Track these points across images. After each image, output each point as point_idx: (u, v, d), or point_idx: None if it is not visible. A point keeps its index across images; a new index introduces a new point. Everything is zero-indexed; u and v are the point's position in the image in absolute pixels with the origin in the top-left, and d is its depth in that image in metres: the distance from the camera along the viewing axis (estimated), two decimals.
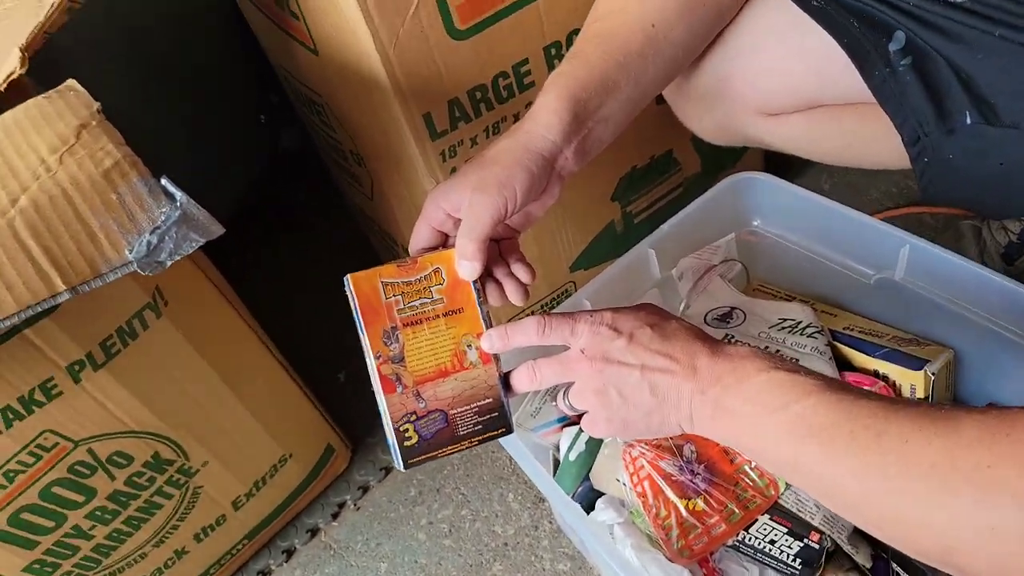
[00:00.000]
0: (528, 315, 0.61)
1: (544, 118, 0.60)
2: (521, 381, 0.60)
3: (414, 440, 0.59)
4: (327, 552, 0.97)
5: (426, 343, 0.59)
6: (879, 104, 0.68)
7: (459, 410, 0.60)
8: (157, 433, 0.76)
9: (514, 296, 0.63)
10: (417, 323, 0.59)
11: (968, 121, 0.65)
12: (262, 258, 1.36)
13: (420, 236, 0.62)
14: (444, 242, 0.63)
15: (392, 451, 0.59)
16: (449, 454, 0.60)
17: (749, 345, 0.52)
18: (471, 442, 0.61)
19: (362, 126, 0.83)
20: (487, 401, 0.60)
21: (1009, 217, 0.95)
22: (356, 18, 0.68)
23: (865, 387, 0.78)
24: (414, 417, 0.59)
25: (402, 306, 0.60)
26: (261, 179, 1.25)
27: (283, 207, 1.38)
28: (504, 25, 0.75)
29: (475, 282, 0.60)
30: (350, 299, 0.60)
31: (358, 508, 1.01)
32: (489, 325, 0.60)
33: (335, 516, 1.00)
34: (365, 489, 1.02)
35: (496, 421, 0.61)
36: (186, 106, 1.00)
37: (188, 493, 0.83)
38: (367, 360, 0.59)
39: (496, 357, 0.61)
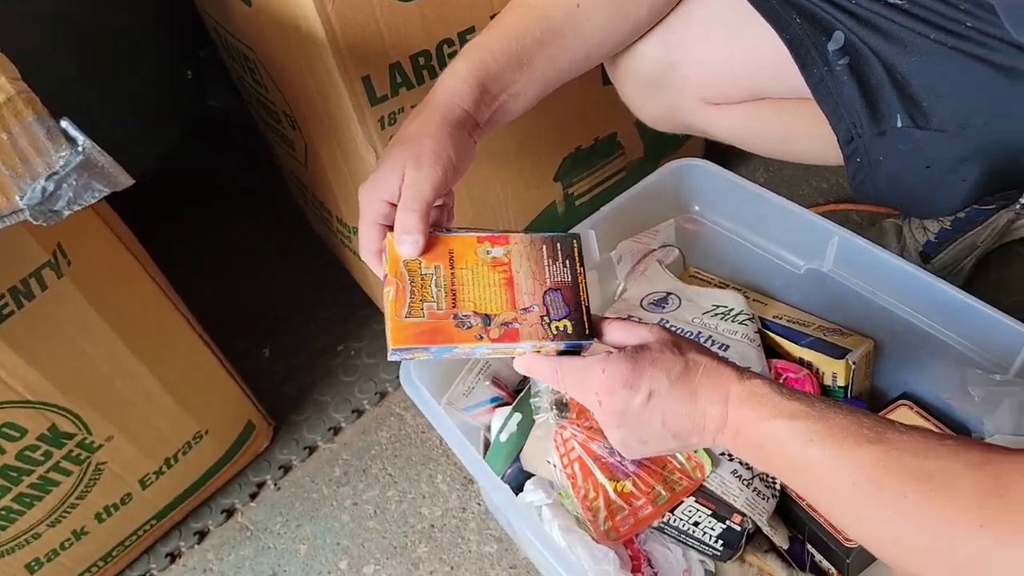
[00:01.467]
0: None
1: (455, 86, 0.59)
2: (536, 370, 0.57)
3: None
4: (243, 534, 0.93)
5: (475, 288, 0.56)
6: (816, 102, 0.69)
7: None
8: (54, 404, 0.70)
9: (405, 247, 0.58)
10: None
11: (899, 124, 0.66)
12: (187, 223, 1.29)
13: (369, 238, 0.58)
14: None
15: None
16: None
17: (761, 378, 0.52)
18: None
19: (297, 86, 0.79)
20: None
21: (931, 217, 0.99)
22: None
23: (790, 374, 0.80)
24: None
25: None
26: (186, 139, 1.18)
27: (210, 169, 1.31)
28: None
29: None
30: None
31: (278, 488, 0.97)
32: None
33: (253, 496, 0.96)
34: (287, 469, 0.98)
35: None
36: (100, 58, 0.93)
37: (89, 469, 0.78)
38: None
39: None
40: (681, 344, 0.54)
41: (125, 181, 0.49)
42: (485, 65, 0.61)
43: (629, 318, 0.85)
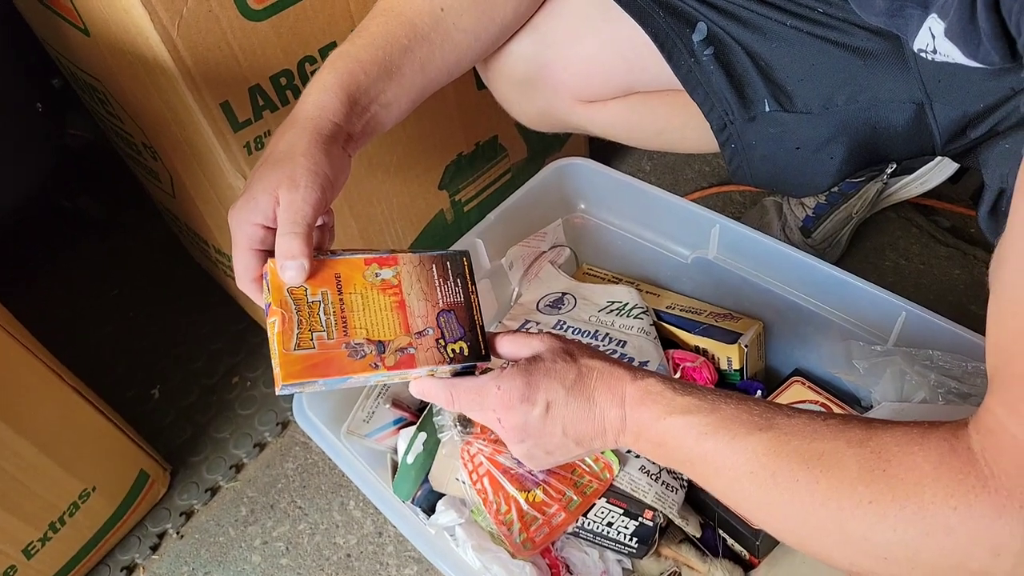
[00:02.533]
0: None
1: (324, 100, 0.57)
2: (431, 394, 0.55)
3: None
4: None
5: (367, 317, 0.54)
6: (687, 92, 0.70)
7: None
8: None
9: (290, 275, 0.55)
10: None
11: (767, 109, 0.68)
12: (55, 266, 1.20)
13: (245, 266, 0.54)
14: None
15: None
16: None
17: (655, 375, 0.52)
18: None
19: (152, 116, 0.74)
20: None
21: (805, 195, 1.03)
22: None
23: (687, 363, 0.81)
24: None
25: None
26: (49, 176, 1.09)
27: (76, 207, 1.22)
28: (307, 6, 0.69)
29: None
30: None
31: (181, 536, 0.92)
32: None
33: (155, 548, 0.91)
34: (189, 515, 0.93)
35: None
36: None
37: None
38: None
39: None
40: (573, 351, 0.54)
41: None
42: (353, 76, 0.58)
43: (526, 323, 0.86)
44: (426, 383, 0.55)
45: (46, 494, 0.78)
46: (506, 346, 0.56)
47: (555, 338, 0.55)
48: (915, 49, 0.51)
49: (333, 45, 0.73)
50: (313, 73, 0.73)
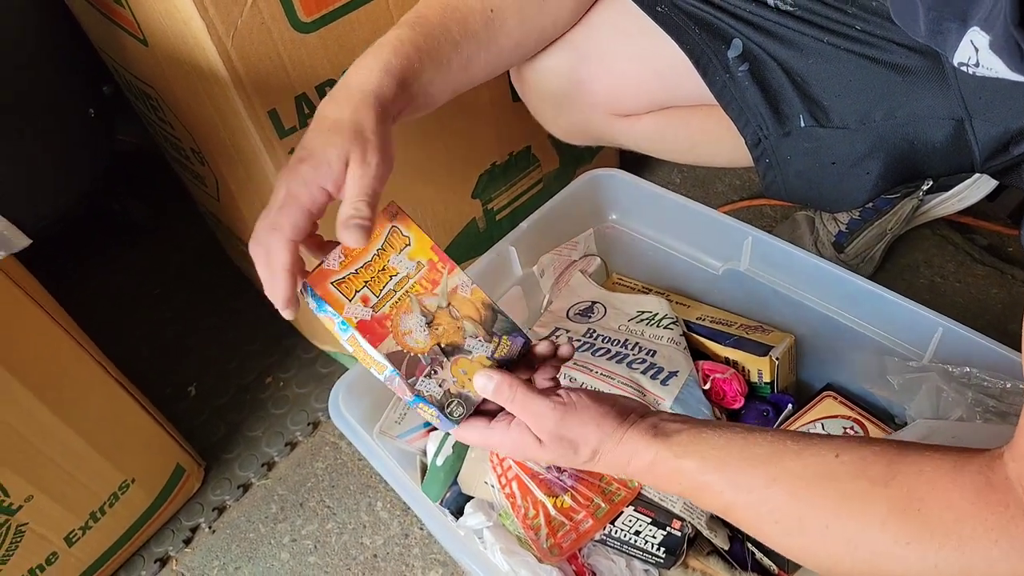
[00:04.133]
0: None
1: (385, 81, 0.56)
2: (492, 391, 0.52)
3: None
4: None
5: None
6: (722, 108, 0.71)
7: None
8: None
9: (352, 236, 0.53)
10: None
11: (802, 124, 0.69)
12: (101, 266, 1.24)
13: (294, 223, 0.50)
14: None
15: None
16: None
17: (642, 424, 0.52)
18: None
19: (202, 123, 0.77)
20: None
21: (840, 210, 1.03)
22: (189, 8, 0.62)
23: (717, 375, 0.81)
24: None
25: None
26: (99, 180, 1.13)
27: (123, 208, 1.26)
28: (352, 18, 0.72)
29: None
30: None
31: (213, 531, 0.94)
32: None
33: (188, 542, 0.93)
34: (221, 510, 0.95)
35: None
36: None
37: (10, 533, 0.74)
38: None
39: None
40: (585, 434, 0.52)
41: (20, 243, 0.48)
42: (410, 61, 0.58)
43: (556, 330, 0.87)
44: (472, 430, 0.54)
45: (89, 483, 0.80)
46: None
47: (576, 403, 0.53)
48: (955, 63, 0.51)
49: None
50: None
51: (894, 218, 1.05)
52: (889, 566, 0.41)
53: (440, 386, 0.52)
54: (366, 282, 0.52)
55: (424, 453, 0.81)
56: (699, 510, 0.71)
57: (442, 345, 0.53)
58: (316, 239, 0.54)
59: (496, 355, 0.54)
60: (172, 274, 1.23)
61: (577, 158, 1.10)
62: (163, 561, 0.92)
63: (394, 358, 0.51)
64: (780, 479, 0.45)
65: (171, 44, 0.68)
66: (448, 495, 0.78)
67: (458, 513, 0.76)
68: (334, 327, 0.53)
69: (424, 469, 0.81)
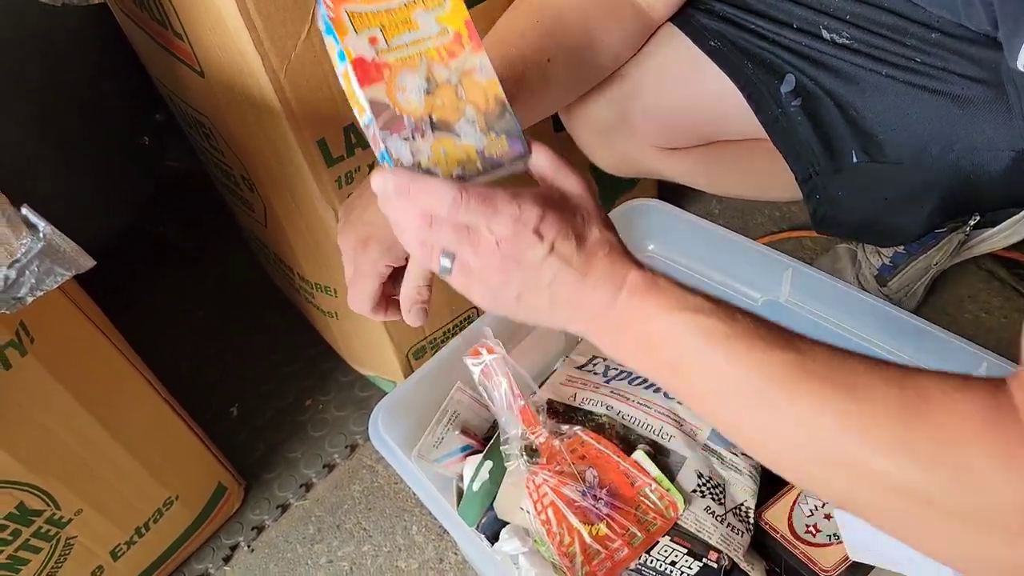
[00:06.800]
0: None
1: None
2: (434, 190, 0.46)
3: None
4: None
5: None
6: (773, 142, 0.71)
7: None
8: (22, 482, 0.69)
9: (416, 318, 0.59)
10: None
11: (855, 160, 0.68)
12: (149, 287, 1.28)
13: (368, 293, 0.60)
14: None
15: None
16: None
17: (666, 275, 0.47)
18: None
19: (253, 151, 0.80)
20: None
21: (892, 245, 1.02)
22: (244, 41, 0.65)
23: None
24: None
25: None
26: (147, 204, 1.18)
27: (172, 233, 1.31)
28: None
29: None
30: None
31: (252, 550, 0.95)
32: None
33: (227, 560, 0.95)
34: (260, 529, 0.97)
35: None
36: (54, 129, 0.93)
37: (59, 545, 0.76)
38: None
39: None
40: (603, 216, 0.49)
41: (86, 263, 0.50)
42: None
43: (593, 359, 0.87)
44: (432, 181, 0.46)
45: (135, 499, 0.82)
46: (542, 159, 0.49)
47: (591, 194, 0.50)
48: (1019, 67, 0.48)
49: None
50: None
51: (939, 252, 1.03)
52: (877, 460, 0.39)
53: (412, 155, 0.47)
54: (382, 25, 0.49)
55: (460, 478, 0.81)
56: (736, 542, 0.71)
57: (434, 118, 0.48)
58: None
59: (486, 151, 0.49)
60: (215, 297, 1.26)
61: (617, 188, 1.11)
62: None
63: (376, 107, 0.48)
64: (787, 351, 0.42)
65: (226, 75, 0.71)
66: (484, 520, 0.78)
67: (494, 538, 0.76)
68: (334, 55, 0.49)
69: (460, 494, 0.81)
